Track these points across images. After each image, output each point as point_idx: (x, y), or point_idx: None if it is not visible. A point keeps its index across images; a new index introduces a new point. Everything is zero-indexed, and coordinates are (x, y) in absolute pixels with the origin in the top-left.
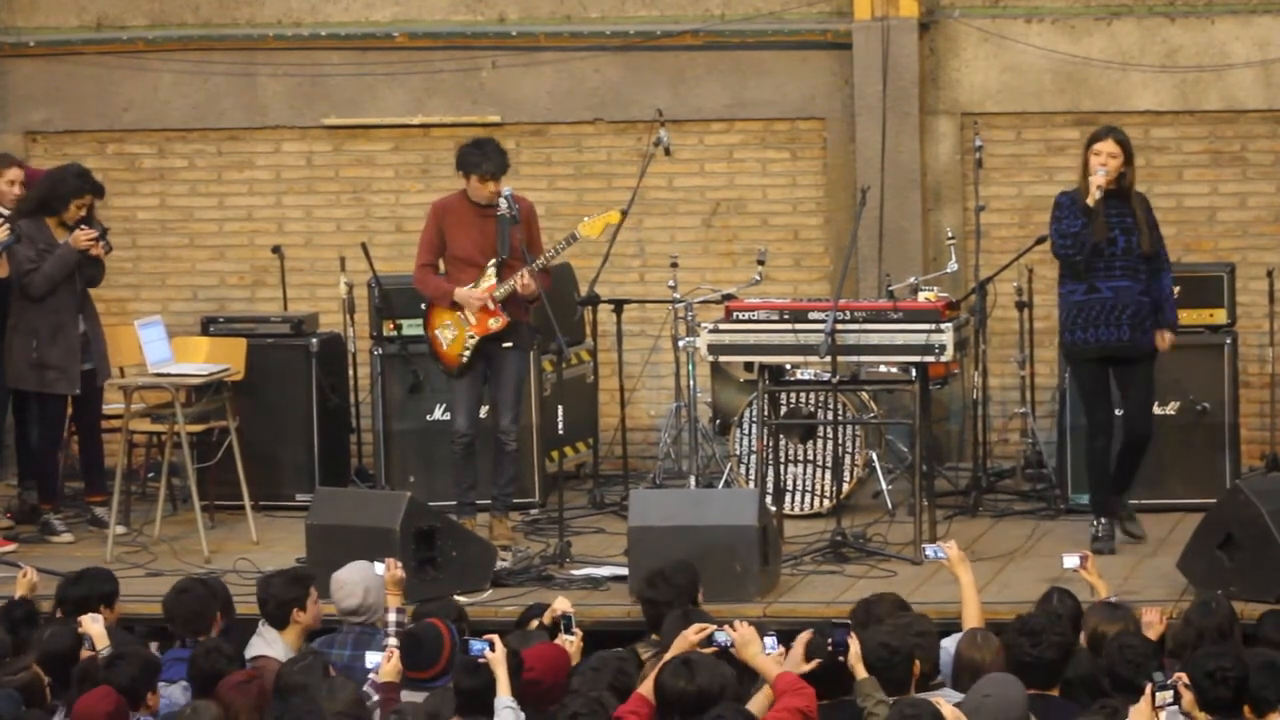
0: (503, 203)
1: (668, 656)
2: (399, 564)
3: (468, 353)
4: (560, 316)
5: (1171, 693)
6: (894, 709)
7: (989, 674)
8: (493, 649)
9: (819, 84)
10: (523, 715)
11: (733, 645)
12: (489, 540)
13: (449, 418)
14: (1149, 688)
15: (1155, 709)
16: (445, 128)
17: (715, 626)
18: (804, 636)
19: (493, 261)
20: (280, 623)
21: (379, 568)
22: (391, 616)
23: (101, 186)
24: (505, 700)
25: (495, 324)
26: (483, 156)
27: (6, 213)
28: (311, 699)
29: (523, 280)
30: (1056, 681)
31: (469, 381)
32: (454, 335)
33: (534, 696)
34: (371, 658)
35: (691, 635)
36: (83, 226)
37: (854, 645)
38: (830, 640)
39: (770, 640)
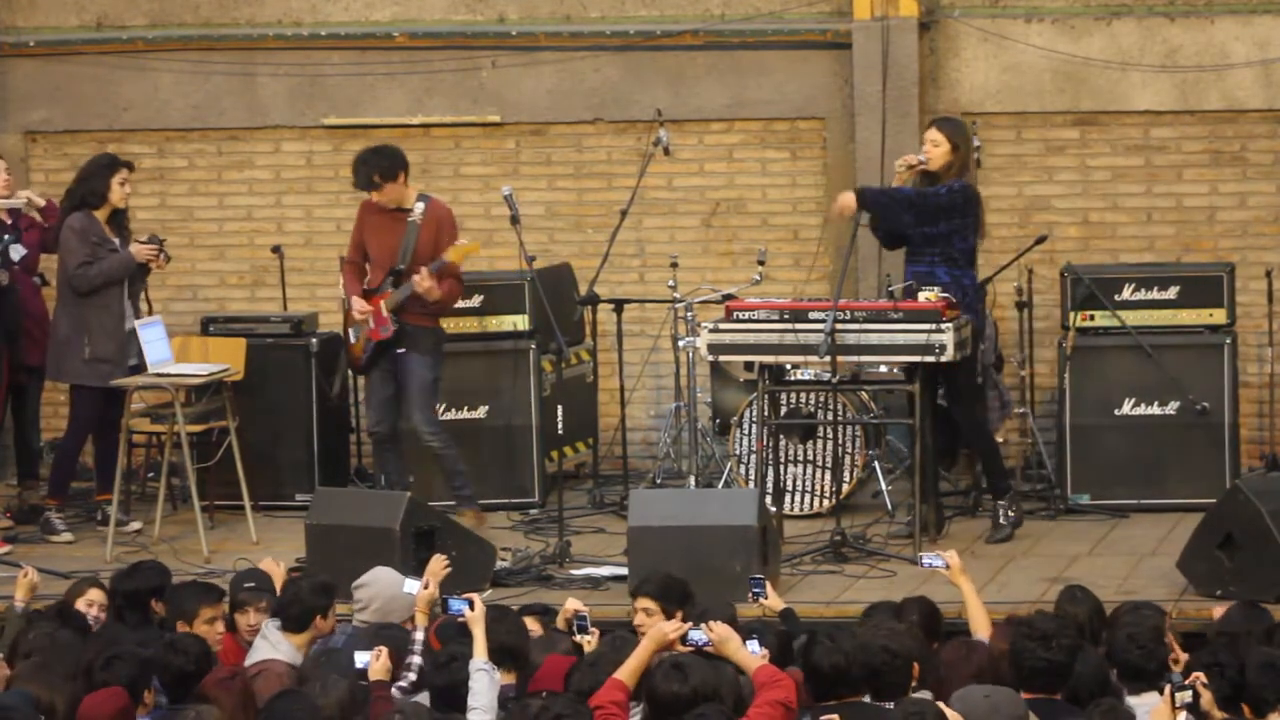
0: (418, 208)
1: (643, 653)
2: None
3: (367, 355)
4: (560, 316)
5: (1190, 693)
6: (898, 708)
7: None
8: (472, 608)
9: (819, 84)
10: (498, 676)
11: (709, 644)
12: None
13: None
14: (1168, 689)
15: (1175, 710)
16: (445, 127)
17: (690, 625)
18: None
19: (391, 269)
20: (299, 626)
21: (412, 585)
22: (419, 635)
23: (130, 161)
24: (480, 662)
25: (384, 333)
26: (354, 166)
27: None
28: (313, 706)
29: (422, 282)
30: (1064, 684)
31: (376, 378)
32: (359, 335)
33: None
34: (360, 657)
35: (670, 633)
36: (145, 241)
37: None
38: None
39: (753, 644)
